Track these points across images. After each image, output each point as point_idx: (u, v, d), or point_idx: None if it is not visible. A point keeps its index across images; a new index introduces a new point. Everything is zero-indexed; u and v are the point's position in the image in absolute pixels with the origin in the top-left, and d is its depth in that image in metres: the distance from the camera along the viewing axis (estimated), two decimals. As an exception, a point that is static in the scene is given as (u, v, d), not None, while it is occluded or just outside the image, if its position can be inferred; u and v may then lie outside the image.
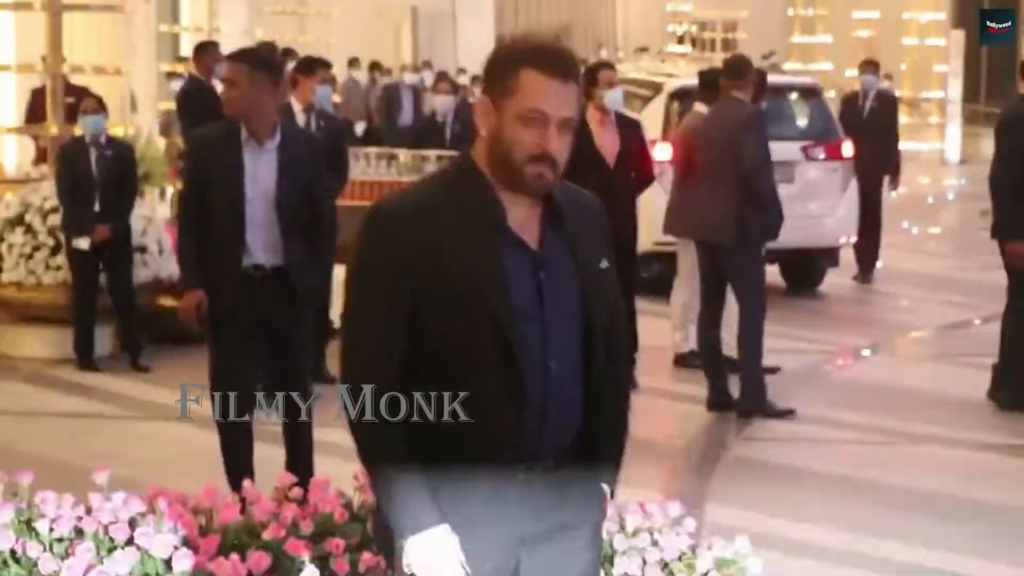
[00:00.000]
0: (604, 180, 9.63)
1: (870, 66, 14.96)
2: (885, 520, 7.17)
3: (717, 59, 36.32)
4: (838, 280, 14.04)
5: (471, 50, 29.00)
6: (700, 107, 10.15)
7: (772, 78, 10.33)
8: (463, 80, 24.51)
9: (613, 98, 9.65)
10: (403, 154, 11.78)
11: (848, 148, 13.34)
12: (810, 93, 13.84)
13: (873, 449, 8.69)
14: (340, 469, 6.57)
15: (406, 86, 24.93)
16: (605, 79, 9.73)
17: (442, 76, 15.88)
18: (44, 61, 11.81)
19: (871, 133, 13.99)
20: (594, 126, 9.80)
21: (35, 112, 13.23)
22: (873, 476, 7.98)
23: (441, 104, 12.42)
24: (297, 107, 9.98)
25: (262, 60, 7.02)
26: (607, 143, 9.72)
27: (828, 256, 13.45)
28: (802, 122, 13.52)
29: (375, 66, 26.84)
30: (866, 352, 11.32)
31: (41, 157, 12.42)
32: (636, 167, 9.89)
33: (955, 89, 32.22)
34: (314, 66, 10.19)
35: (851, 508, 7.36)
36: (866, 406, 9.55)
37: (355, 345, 3.22)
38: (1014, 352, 9.34)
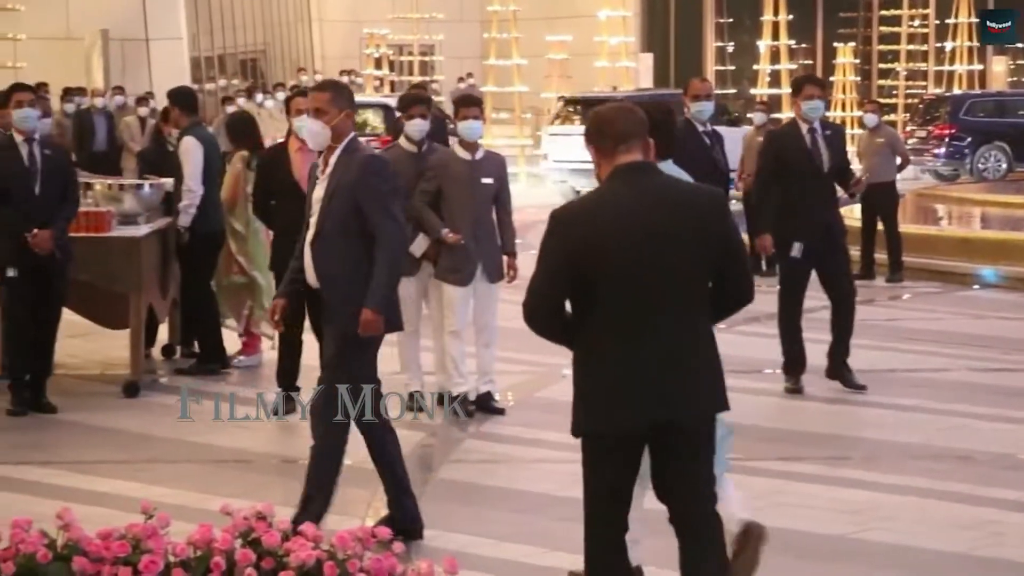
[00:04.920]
0: (302, 210, 9.69)
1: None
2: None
3: (415, 82, 36.58)
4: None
5: (164, 74, 28.60)
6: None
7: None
8: (153, 104, 24.13)
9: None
10: (98, 183, 11.60)
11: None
12: None
13: (579, 467, 8.89)
14: (43, 508, 6.49)
15: (99, 111, 24.47)
16: (296, 105, 9.79)
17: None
18: None
19: None
20: (293, 155, 9.83)
21: None
22: (579, 493, 8.18)
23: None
24: (19, 137, 9.83)
25: None
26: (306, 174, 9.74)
27: None
28: None
29: (67, 91, 26.15)
30: (569, 371, 11.57)
31: None
32: None
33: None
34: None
35: (560, 525, 7.54)
36: (568, 425, 9.76)
37: None
38: None
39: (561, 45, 35.26)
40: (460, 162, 9.78)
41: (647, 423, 5.17)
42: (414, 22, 37.00)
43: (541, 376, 11.31)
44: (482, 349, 9.94)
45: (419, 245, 9.73)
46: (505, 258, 9.91)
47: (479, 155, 9.83)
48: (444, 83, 37.17)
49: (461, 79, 35.87)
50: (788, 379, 10.70)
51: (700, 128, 10.36)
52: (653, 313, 5.13)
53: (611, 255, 5.11)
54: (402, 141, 10.00)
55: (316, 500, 7.02)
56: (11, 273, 9.85)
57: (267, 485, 7.26)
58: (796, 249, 10.50)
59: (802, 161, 10.47)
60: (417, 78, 35.91)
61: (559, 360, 11.74)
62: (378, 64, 36.81)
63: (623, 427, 5.21)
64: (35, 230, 9.72)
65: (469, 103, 10.03)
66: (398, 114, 11.14)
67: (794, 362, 10.71)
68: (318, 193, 7.15)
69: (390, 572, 5.10)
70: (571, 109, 27.97)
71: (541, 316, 5.27)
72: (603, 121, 5.26)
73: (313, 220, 7.12)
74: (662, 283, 5.13)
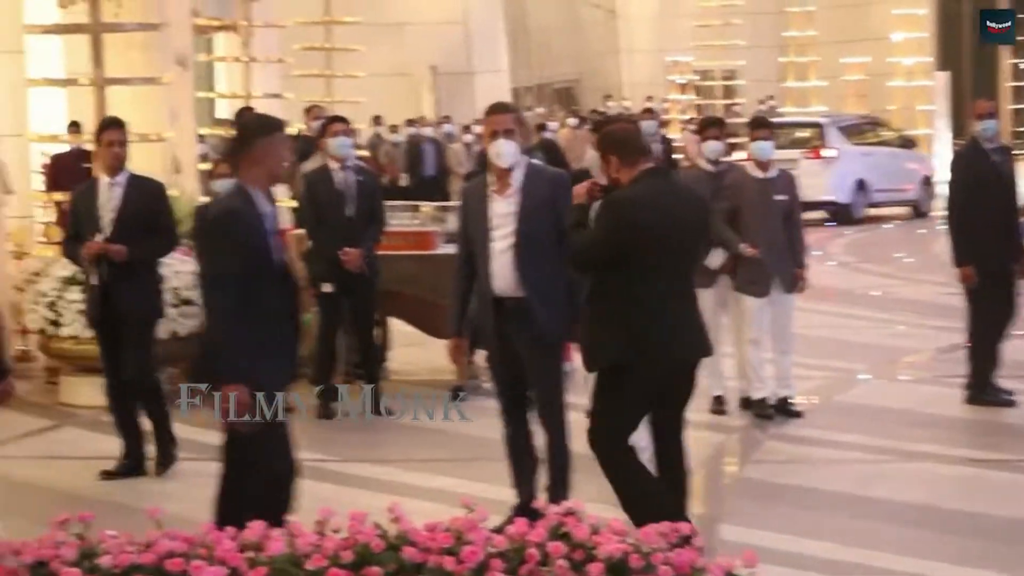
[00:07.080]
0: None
1: (648, 113, 17.54)
2: (887, 533, 7.22)
3: (718, 106, 36.38)
4: (836, 308, 14.12)
5: (487, 103, 29.05)
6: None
7: None
8: (477, 130, 24.64)
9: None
10: (425, 206, 11.93)
11: None
12: None
13: (873, 467, 8.74)
14: (376, 501, 6.69)
15: (428, 139, 25.08)
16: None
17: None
18: (71, 130, 12.97)
19: None
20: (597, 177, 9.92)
21: (56, 178, 13.20)
22: (873, 492, 8.04)
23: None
24: (334, 164, 10.17)
25: None
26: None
27: None
28: None
29: (402, 125, 26.76)
30: (864, 376, 11.36)
31: (62, 221, 11.84)
32: None
33: (943, 126, 32.24)
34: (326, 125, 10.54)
35: (855, 523, 7.42)
36: (865, 427, 9.61)
37: None
38: (973, 352, 10.02)
39: (858, 67, 34.56)
40: (754, 181, 9.73)
41: (686, 358, 6.42)
42: (716, 49, 36.79)
43: (837, 381, 11.12)
44: (780, 356, 9.84)
45: (716, 258, 9.67)
46: (797, 270, 9.83)
47: (771, 173, 9.76)
48: (745, 106, 36.86)
49: (761, 102, 35.50)
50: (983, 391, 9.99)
51: (988, 146, 10.06)
52: (680, 276, 6.43)
53: (656, 232, 6.29)
54: (699, 160, 10.12)
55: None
56: (327, 289, 10.17)
57: (577, 483, 7.32)
58: None
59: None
60: (720, 102, 35.75)
61: (855, 365, 11.58)
62: (682, 90, 36.72)
63: (670, 361, 6.36)
64: (346, 248, 10.03)
65: (758, 125, 10.08)
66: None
67: (983, 378, 9.98)
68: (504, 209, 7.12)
69: (692, 564, 5.08)
70: None
71: (584, 270, 6.54)
72: (626, 139, 6.51)
73: (503, 233, 7.14)
74: (684, 254, 6.45)
